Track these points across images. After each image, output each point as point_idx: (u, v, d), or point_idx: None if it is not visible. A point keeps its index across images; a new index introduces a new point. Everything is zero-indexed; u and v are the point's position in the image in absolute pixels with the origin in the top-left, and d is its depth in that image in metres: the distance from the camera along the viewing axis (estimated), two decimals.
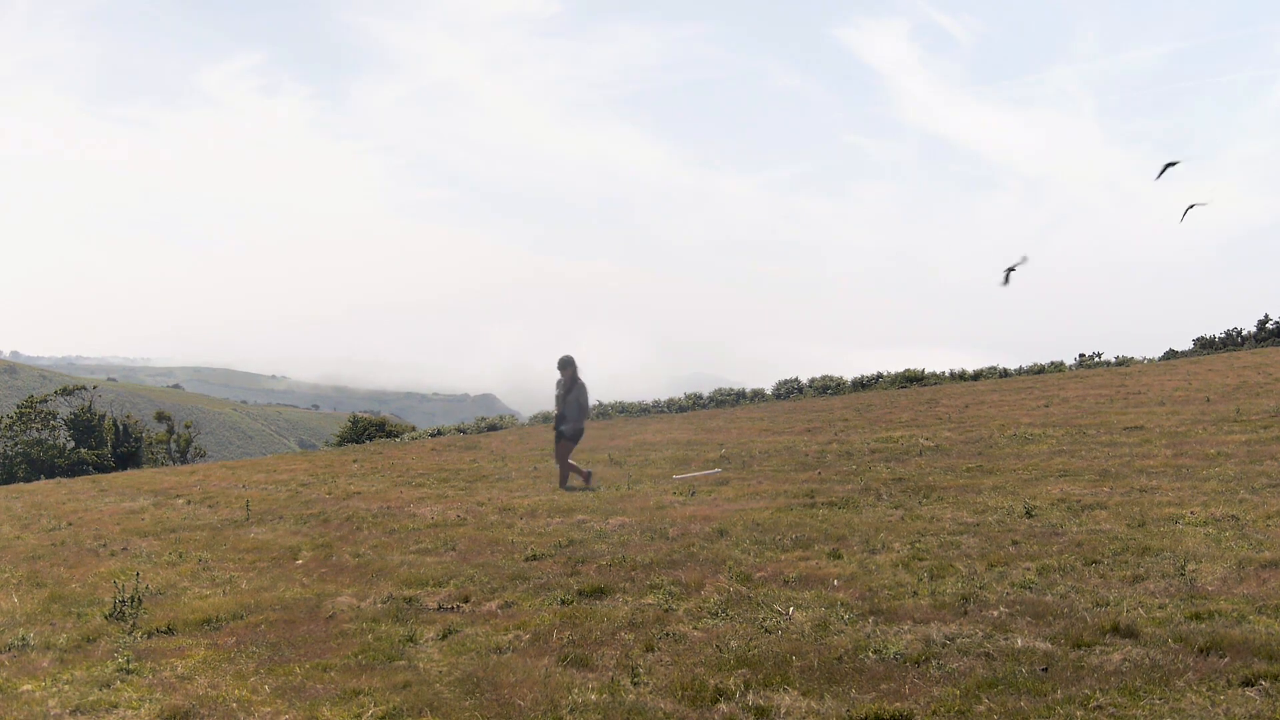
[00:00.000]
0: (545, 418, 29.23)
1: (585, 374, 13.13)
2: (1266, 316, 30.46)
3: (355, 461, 19.64)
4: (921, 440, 14.29)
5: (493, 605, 6.81)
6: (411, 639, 6.08)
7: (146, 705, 5.10)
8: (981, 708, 4.36)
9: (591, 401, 15.30)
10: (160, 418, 44.94)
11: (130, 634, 6.47)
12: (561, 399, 12.87)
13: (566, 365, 12.91)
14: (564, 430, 12.74)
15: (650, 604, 6.47)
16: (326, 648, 6.03)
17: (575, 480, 12.82)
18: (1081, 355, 29.37)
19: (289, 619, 6.77)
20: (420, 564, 8.32)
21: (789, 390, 29.38)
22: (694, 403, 29.53)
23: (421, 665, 5.54)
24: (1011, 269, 8.19)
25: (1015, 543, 7.40)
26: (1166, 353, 30.12)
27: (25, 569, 9.42)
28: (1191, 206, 8.30)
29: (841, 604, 6.11)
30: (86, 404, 40.56)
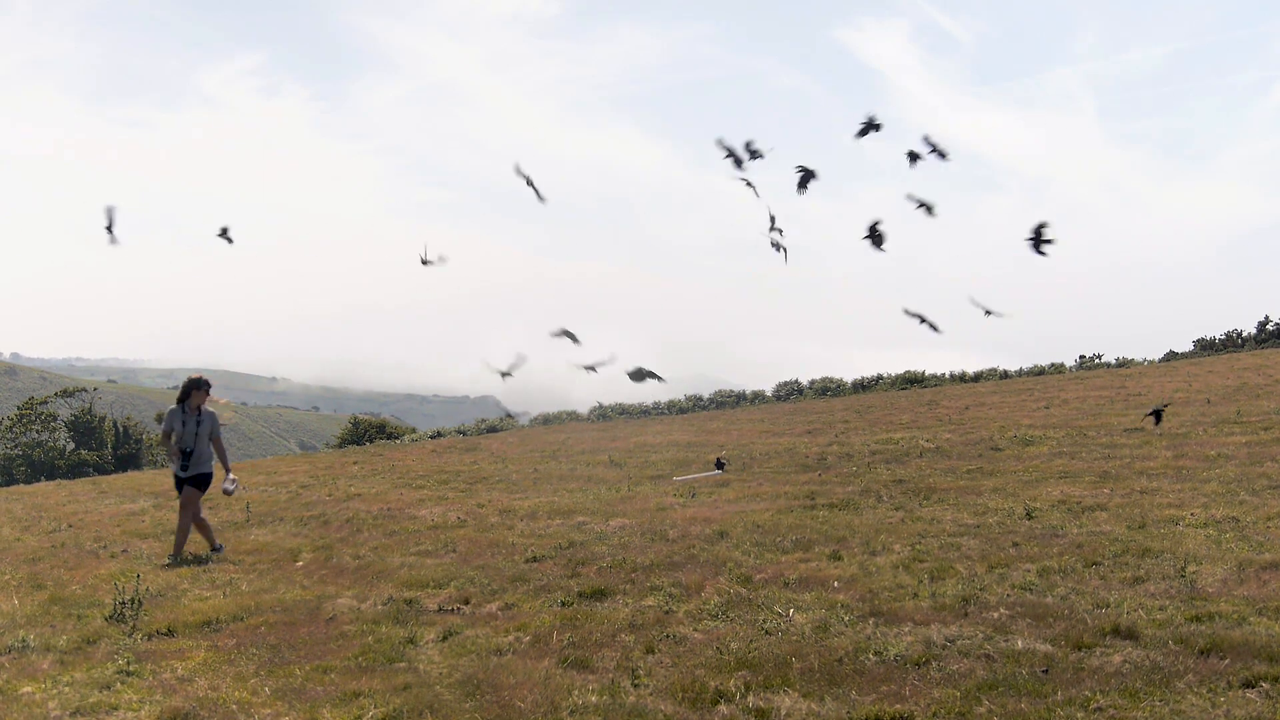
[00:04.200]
0: (545, 419, 29.19)
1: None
2: (1267, 318, 30.46)
3: (355, 463, 19.64)
4: (922, 442, 14.28)
5: (493, 607, 6.81)
6: (412, 641, 6.08)
7: (147, 707, 5.10)
8: (982, 709, 4.35)
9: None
10: (160, 419, 44.95)
11: (130, 636, 6.47)
12: (194, 434, 9.58)
13: (198, 387, 9.69)
14: (186, 471, 9.54)
15: (651, 606, 6.47)
16: (327, 649, 6.03)
17: (196, 539, 9.88)
18: (1082, 357, 29.37)
19: (289, 621, 6.77)
20: (421, 566, 8.32)
21: (789, 392, 29.39)
22: (694, 404, 29.54)
23: (422, 667, 5.54)
24: (777, 239, 7.99)
25: (1016, 544, 7.40)
26: (1167, 354, 30.11)
27: (25, 571, 9.41)
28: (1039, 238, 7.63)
29: (842, 606, 6.10)
30: (87, 406, 40.60)
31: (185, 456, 9.55)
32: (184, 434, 9.59)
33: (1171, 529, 7.50)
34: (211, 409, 9.80)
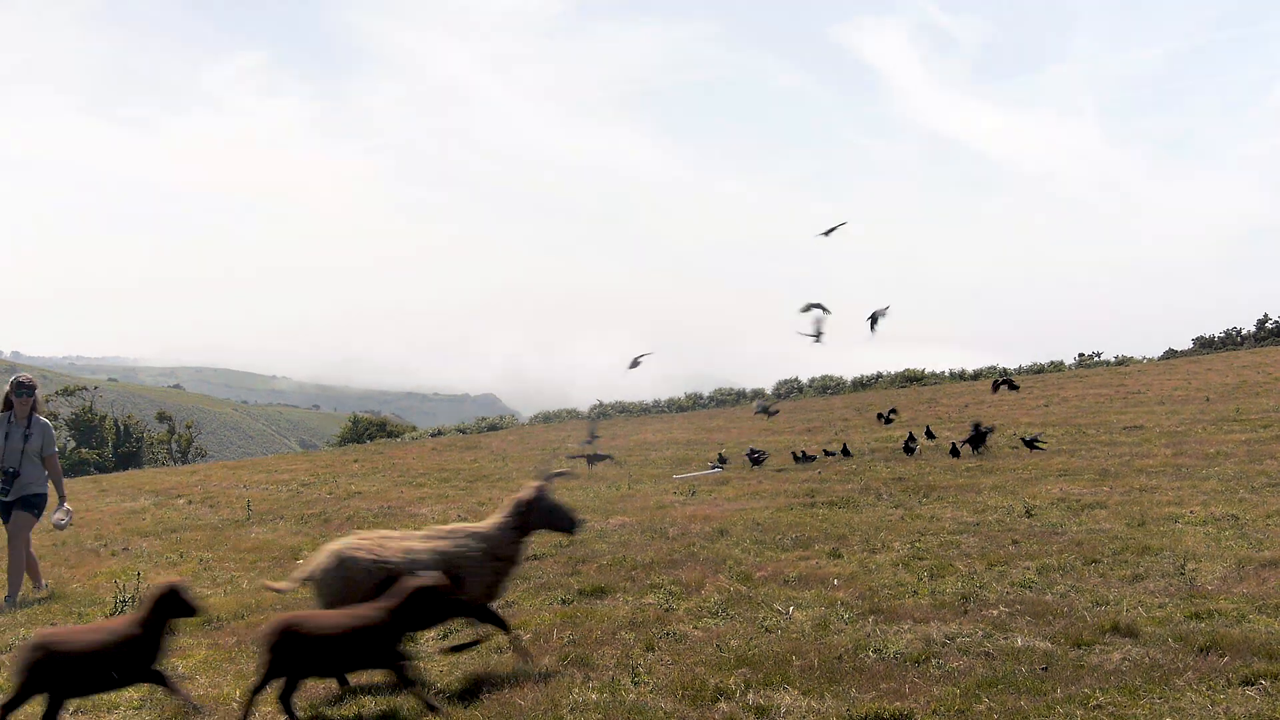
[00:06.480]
0: (545, 418, 29.19)
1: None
2: (1266, 316, 30.51)
3: (356, 461, 19.65)
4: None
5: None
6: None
7: (148, 706, 5.11)
8: (981, 707, 4.36)
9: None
10: (161, 418, 44.95)
11: None
12: (19, 451, 7.84)
13: (22, 390, 7.96)
14: (8, 495, 7.84)
15: (650, 603, 6.47)
16: None
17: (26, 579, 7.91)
18: (1081, 355, 29.40)
19: None
20: None
21: (789, 390, 29.42)
22: (694, 402, 29.56)
23: (422, 665, 5.54)
24: (877, 317, 8.65)
25: (1015, 542, 7.41)
26: (1166, 352, 30.15)
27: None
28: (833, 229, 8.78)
29: (842, 603, 6.11)
30: (87, 404, 40.56)
31: (8, 479, 7.79)
32: (6, 450, 7.82)
33: (1171, 526, 7.51)
34: (43, 418, 8.10)
